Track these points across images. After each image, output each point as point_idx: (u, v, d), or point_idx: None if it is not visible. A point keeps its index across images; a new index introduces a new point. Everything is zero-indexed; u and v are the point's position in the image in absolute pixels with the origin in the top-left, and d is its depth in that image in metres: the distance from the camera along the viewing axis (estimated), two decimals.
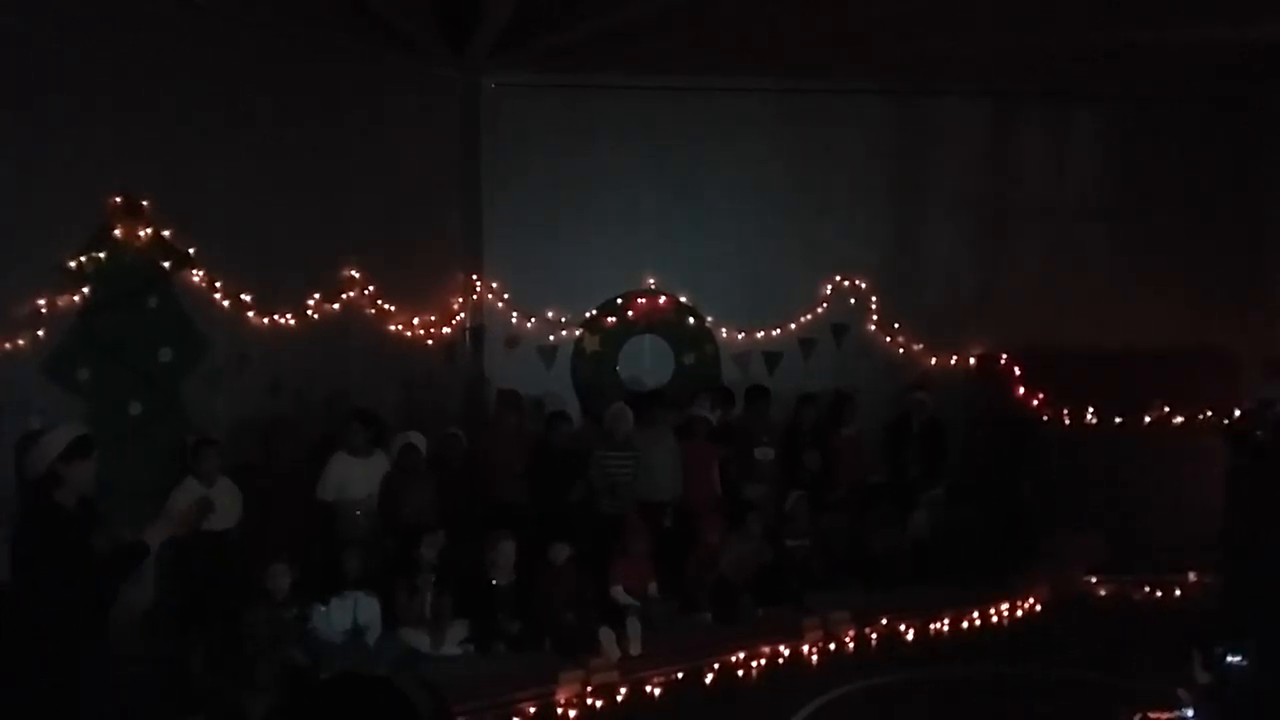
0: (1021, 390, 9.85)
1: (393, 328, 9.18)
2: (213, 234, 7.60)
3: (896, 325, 10.50)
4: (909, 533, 9.09)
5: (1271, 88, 10.27)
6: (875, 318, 10.48)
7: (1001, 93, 10.56)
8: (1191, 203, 10.55)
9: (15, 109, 6.50)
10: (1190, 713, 5.65)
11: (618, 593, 7.79)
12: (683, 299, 10.24)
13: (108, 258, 7.01)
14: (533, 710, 6.72)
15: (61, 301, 6.79)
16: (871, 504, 9.18)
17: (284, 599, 6.76)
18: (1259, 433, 8.28)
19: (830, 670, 7.65)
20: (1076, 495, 9.42)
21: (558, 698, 6.82)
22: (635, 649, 7.27)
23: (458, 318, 9.87)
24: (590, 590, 7.66)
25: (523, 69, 9.75)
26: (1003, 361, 10.12)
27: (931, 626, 8.33)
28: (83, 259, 6.89)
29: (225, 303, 7.77)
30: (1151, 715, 5.77)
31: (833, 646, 7.97)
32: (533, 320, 10.04)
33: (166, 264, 7.38)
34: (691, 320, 10.26)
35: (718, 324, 10.29)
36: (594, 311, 10.14)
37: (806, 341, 10.33)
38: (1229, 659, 5.63)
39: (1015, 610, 8.73)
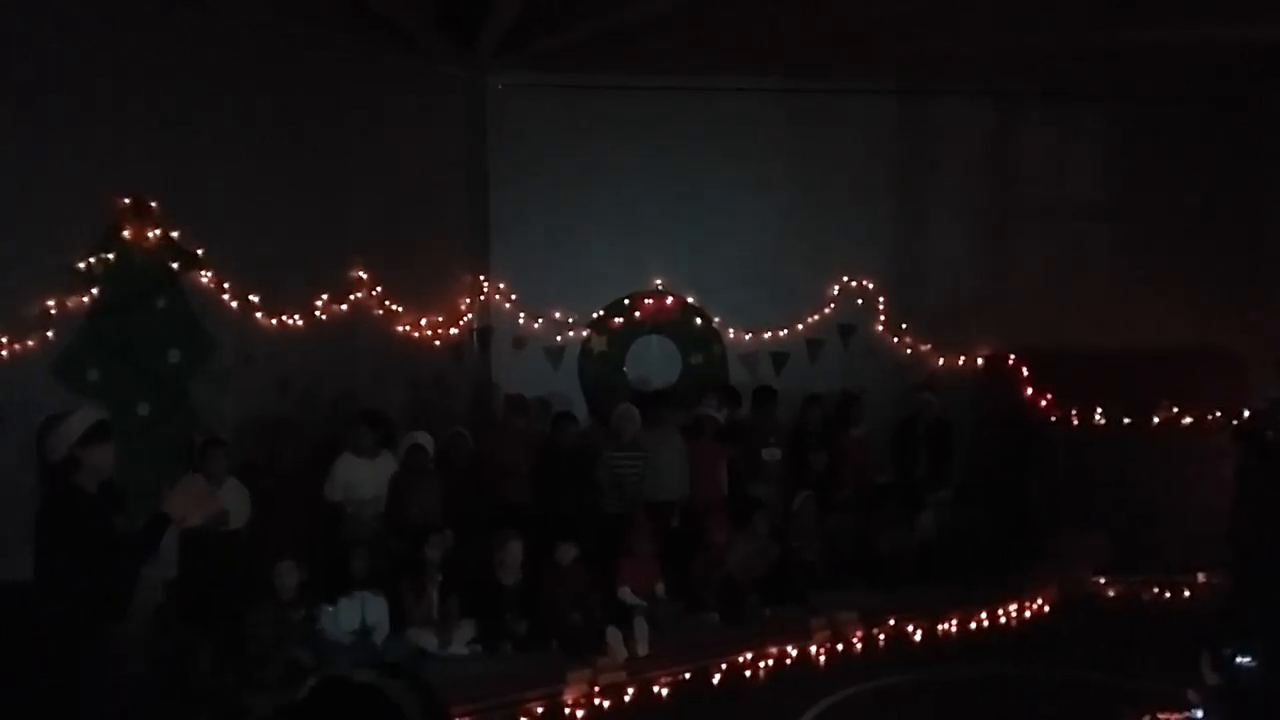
0: (1029, 391, 9.83)
1: (400, 329, 9.19)
2: (218, 235, 7.62)
3: (904, 326, 10.49)
4: (916, 533, 9.07)
5: (1271, 88, 10.25)
6: (882, 318, 10.48)
7: (1003, 93, 10.56)
8: (1193, 202, 10.54)
9: (17, 109, 6.52)
10: (1199, 714, 5.63)
11: (625, 593, 7.78)
12: (690, 299, 10.24)
13: (116, 259, 7.04)
14: (540, 710, 6.72)
15: (70, 303, 6.82)
16: (879, 504, 9.17)
17: (291, 598, 6.77)
18: (1269, 433, 8.26)
19: (838, 671, 7.64)
20: (1084, 496, 9.40)
21: (565, 698, 6.83)
22: (642, 649, 7.27)
23: (465, 318, 9.88)
24: (597, 590, 7.66)
25: (526, 69, 9.75)
26: (1010, 362, 10.10)
27: (939, 627, 8.32)
28: (91, 260, 6.92)
29: (233, 304, 7.79)
30: (1160, 716, 5.76)
31: (840, 647, 7.96)
32: (540, 321, 10.05)
33: (175, 265, 7.40)
34: (698, 321, 10.26)
35: (725, 324, 10.29)
36: (601, 312, 10.15)
37: (814, 342, 10.33)
38: (1238, 660, 5.61)
39: (1023, 611, 8.72)
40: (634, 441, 8.63)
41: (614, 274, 10.08)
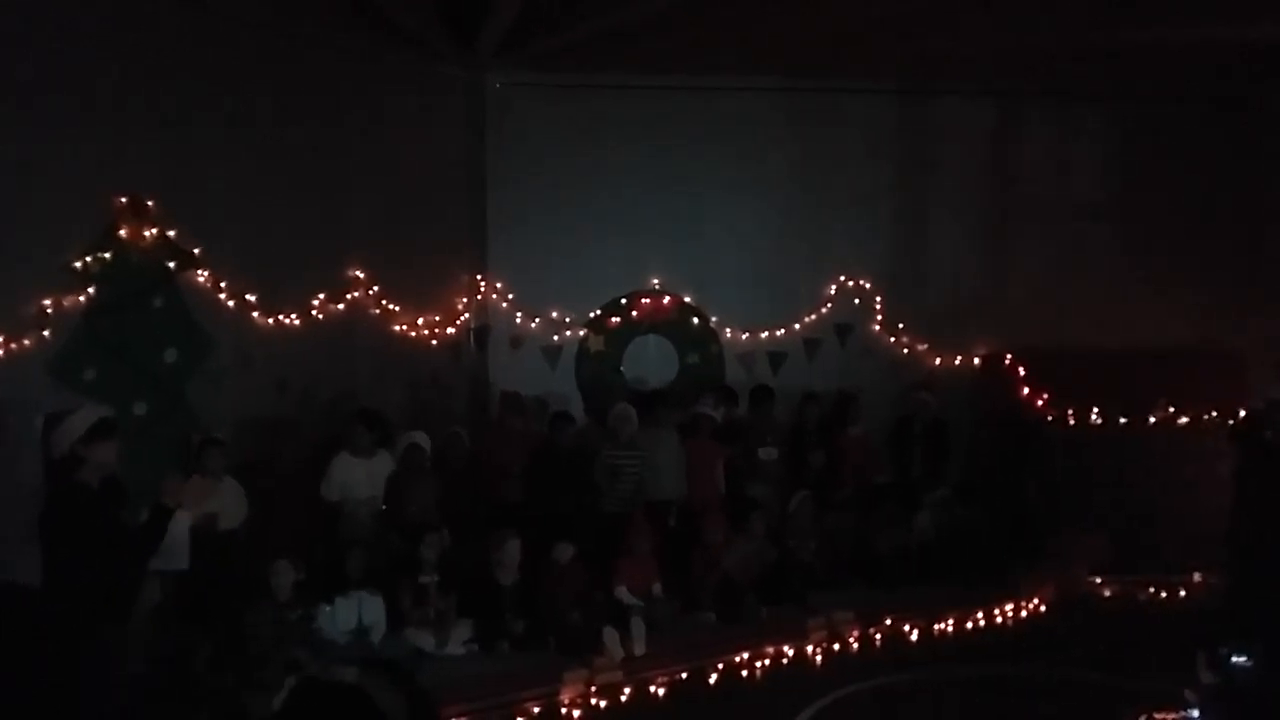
0: (1026, 390, 9.83)
1: (397, 328, 9.19)
2: (216, 234, 7.62)
3: (901, 325, 10.49)
4: (914, 533, 9.07)
5: (1271, 88, 10.25)
6: (879, 318, 10.48)
7: (1003, 92, 10.56)
8: (1193, 202, 10.53)
9: (17, 109, 6.52)
10: (1196, 713, 5.64)
11: (622, 593, 7.78)
12: (687, 299, 10.24)
13: (113, 258, 7.03)
14: (537, 710, 6.71)
15: (67, 302, 6.82)
16: (877, 504, 9.17)
17: (287, 598, 6.76)
18: (1268, 433, 8.27)
19: (834, 670, 7.64)
20: (1082, 496, 9.40)
21: (562, 697, 6.82)
22: (639, 649, 7.27)
23: (462, 318, 9.88)
24: (594, 590, 7.66)
25: (525, 68, 9.75)
26: (1007, 362, 10.10)
27: (936, 627, 8.31)
28: (88, 259, 6.92)
29: (230, 303, 7.78)
30: (1157, 716, 5.76)
31: (837, 647, 7.96)
32: (537, 320, 10.04)
33: (171, 264, 7.40)
34: (695, 320, 10.26)
35: (722, 324, 10.29)
36: (598, 311, 10.15)
37: (811, 341, 10.33)
38: (1234, 660, 5.62)
39: (1020, 611, 8.71)
40: (631, 441, 8.62)
41: (611, 273, 10.08)
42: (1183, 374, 9.61)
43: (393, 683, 2.07)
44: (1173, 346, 9.82)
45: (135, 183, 7.14)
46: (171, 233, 7.35)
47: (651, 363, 10.18)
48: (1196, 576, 9.11)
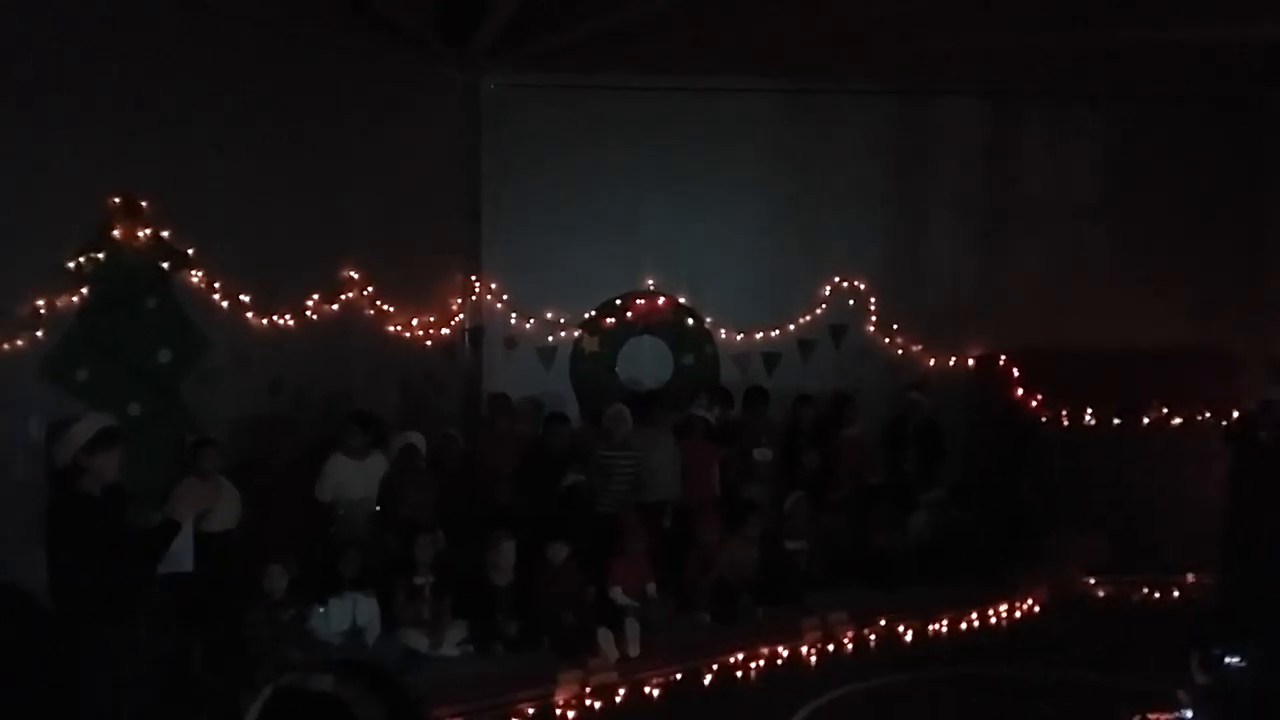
0: (1021, 391, 9.83)
1: (392, 328, 9.18)
2: (212, 234, 7.60)
3: (895, 326, 10.49)
4: (909, 534, 9.08)
5: (1271, 88, 10.25)
6: (874, 319, 10.47)
7: (1001, 93, 10.55)
8: (1191, 203, 10.52)
9: (15, 109, 6.50)
10: (1189, 714, 5.63)
11: (616, 593, 7.79)
12: (682, 300, 10.24)
13: (107, 258, 7.01)
14: (531, 711, 6.72)
15: (60, 302, 6.79)
16: (872, 505, 9.18)
17: (281, 599, 6.76)
18: (1263, 434, 8.28)
19: (829, 671, 7.65)
20: (1078, 496, 9.40)
21: (556, 699, 6.83)
22: (634, 650, 7.28)
23: (457, 318, 9.87)
24: (589, 591, 7.66)
25: (523, 69, 9.74)
26: (1002, 362, 10.10)
27: (931, 627, 8.32)
28: (82, 259, 6.90)
29: (224, 303, 7.77)
30: (1150, 716, 5.75)
31: (831, 647, 7.96)
32: (532, 321, 10.04)
33: (165, 265, 7.38)
34: (690, 321, 10.26)
35: (717, 325, 10.28)
36: (593, 312, 10.14)
37: (805, 343, 10.33)
38: (1227, 660, 5.62)
39: (1014, 611, 8.72)
40: (626, 442, 8.62)
41: (606, 274, 10.07)
42: (1178, 374, 9.61)
43: (371, 689, 2.02)
44: (1168, 347, 9.81)
45: (132, 182, 7.12)
46: (165, 233, 7.33)
47: (646, 364, 10.18)
48: (1190, 577, 9.12)
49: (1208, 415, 9.44)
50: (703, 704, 7.14)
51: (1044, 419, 9.62)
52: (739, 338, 10.31)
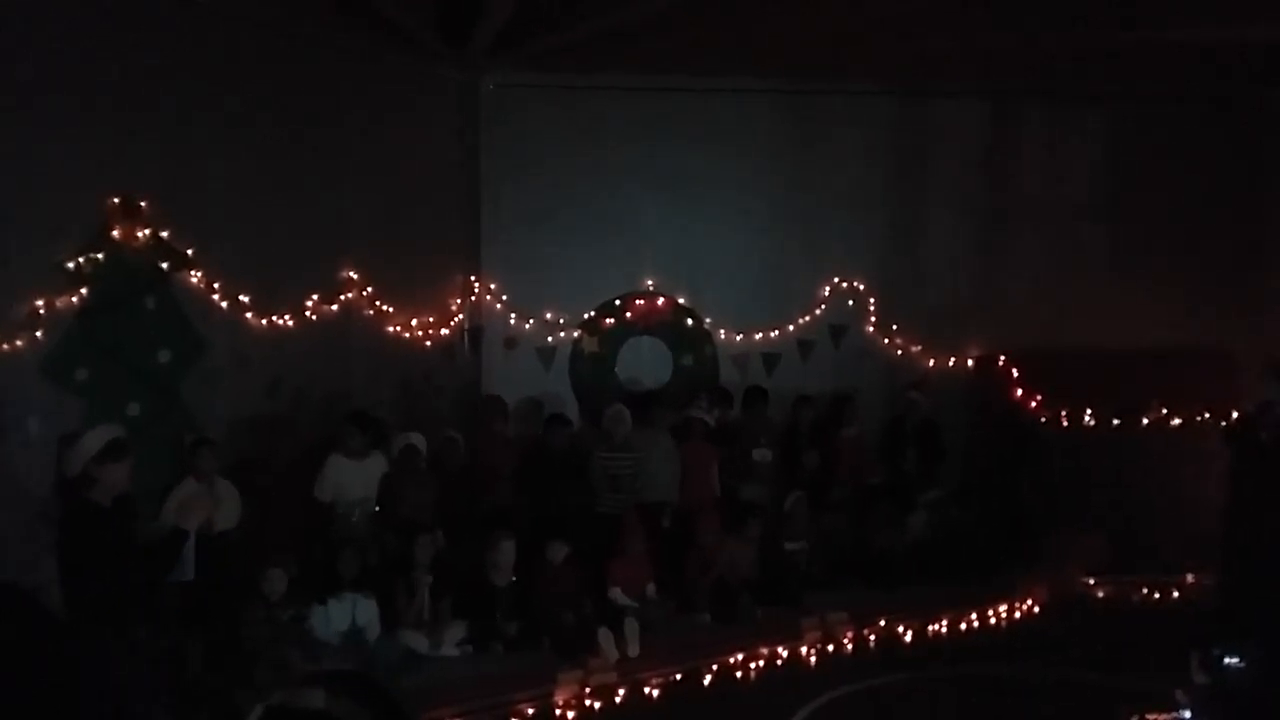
0: (1020, 391, 9.83)
1: (391, 329, 9.18)
2: (211, 234, 7.60)
3: (895, 326, 10.49)
4: (908, 534, 9.08)
5: (1272, 88, 10.26)
6: (873, 319, 10.47)
7: (1001, 93, 10.55)
8: (1191, 203, 10.53)
9: (15, 109, 6.50)
10: (1188, 714, 5.63)
11: (616, 594, 7.79)
12: (681, 300, 10.24)
13: (106, 258, 7.01)
14: (531, 711, 6.72)
15: (60, 302, 6.79)
16: (871, 505, 9.18)
17: (279, 600, 6.76)
18: (1263, 434, 8.29)
19: (829, 671, 7.65)
20: (1077, 496, 9.41)
21: (556, 699, 6.83)
22: (633, 650, 7.28)
23: (456, 319, 9.87)
24: (588, 591, 7.66)
25: (522, 69, 9.74)
26: (1002, 362, 10.11)
27: (930, 627, 8.33)
28: (81, 260, 6.89)
29: (224, 303, 7.77)
30: (1149, 716, 5.75)
31: (831, 647, 7.96)
32: (531, 321, 10.04)
33: (164, 265, 7.38)
34: (690, 322, 10.26)
35: (716, 325, 10.28)
36: (592, 313, 10.14)
37: (805, 343, 10.34)
38: (1227, 660, 5.62)
39: (1014, 611, 8.73)
40: (626, 442, 8.62)
41: (605, 275, 10.07)
42: (1177, 375, 9.61)
43: (363, 704, 2.02)
44: (1167, 347, 9.82)
45: (131, 182, 7.11)
46: (165, 233, 7.33)
47: (646, 364, 10.17)
48: (1190, 577, 9.13)
49: (1207, 415, 9.45)
50: (702, 704, 7.14)
51: (1043, 419, 9.62)
52: (738, 338, 10.31)
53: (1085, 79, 10.18)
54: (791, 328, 10.34)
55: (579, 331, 10.12)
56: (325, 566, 7.19)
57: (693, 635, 7.78)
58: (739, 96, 10.19)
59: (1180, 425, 9.52)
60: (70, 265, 6.85)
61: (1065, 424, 9.56)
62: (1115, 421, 9.55)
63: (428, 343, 9.54)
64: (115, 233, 7.08)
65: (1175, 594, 9.13)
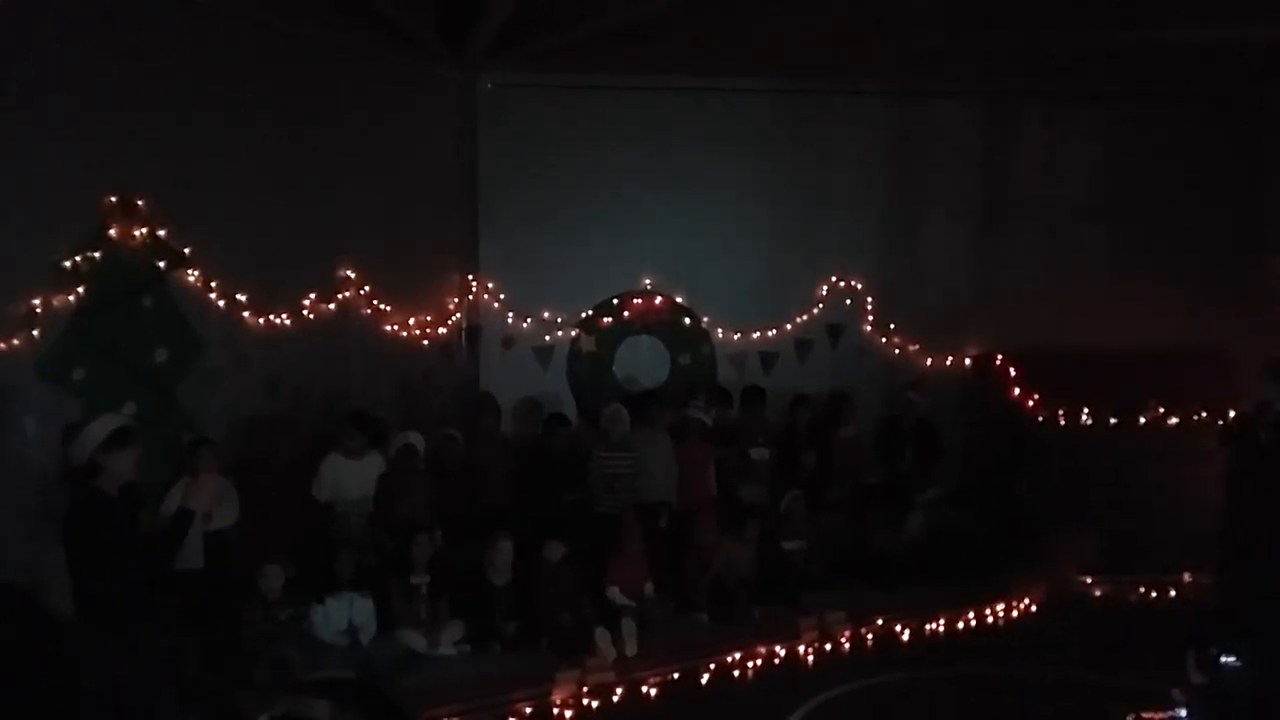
0: (1018, 391, 9.84)
1: (389, 328, 9.18)
2: (209, 233, 7.60)
3: (893, 326, 10.50)
4: (905, 533, 9.08)
5: (1271, 88, 10.26)
6: (871, 318, 10.48)
7: (1000, 92, 10.55)
8: (1190, 203, 10.53)
9: (15, 109, 6.50)
10: (1184, 713, 5.64)
11: (614, 593, 7.78)
12: (679, 299, 10.24)
13: (103, 257, 7.00)
14: (529, 710, 6.72)
15: (56, 301, 6.79)
16: (869, 504, 9.18)
17: (277, 599, 6.76)
18: (1262, 434, 8.30)
19: (827, 671, 7.65)
20: (1075, 496, 9.41)
21: (554, 698, 6.83)
22: (631, 649, 7.27)
23: (454, 318, 9.87)
24: (586, 591, 7.66)
25: (522, 68, 9.74)
26: (999, 362, 10.11)
27: (928, 627, 8.33)
28: (78, 259, 6.89)
29: (221, 303, 7.77)
30: (1145, 715, 5.76)
31: (829, 647, 7.97)
32: (529, 320, 10.04)
33: (161, 264, 7.38)
34: (688, 321, 10.26)
35: (714, 324, 10.28)
36: (590, 312, 10.14)
37: (803, 342, 10.34)
38: (1223, 660, 5.63)
39: (1011, 611, 8.73)
40: (623, 442, 8.62)
41: (603, 274, 10.07)
42: (1175, 374, 9.62)
43: (368, 714, 2.03)
44: (1165, 347, 9.81)
45: (129, 182, 7.11)
46: (162, 232, 7.33)
47: (643, 363, 10.18)
48: (1188, 576, 9.13)
49: (1205, 415, 9.45)
50: (700, 704, 7.14)
51: (1041, 419, 9.63)
52: (736, 337, 10.31)
53: (1085, 79, 10.18)
54: (789, 327, 10.35)
55: (577, 331, 10.12)
56: (323, 566, 7.19)
57: (690, 635, 7.78)
58: (738, 96, 10.20)
59: (1178, 425, 9.53)
60: (67, 264, 6.85)
61: (1063, 423, 9.57)
62: (1113, 421, 9.56)
63: (426, 342, 9.54)
64: (113, 232, 7.08)
65: (1173, 593, 9.15)
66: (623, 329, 10.18)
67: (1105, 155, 10.77)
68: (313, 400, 8.43)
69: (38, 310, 6.67)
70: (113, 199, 7.07)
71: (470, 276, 9.95)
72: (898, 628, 8.24)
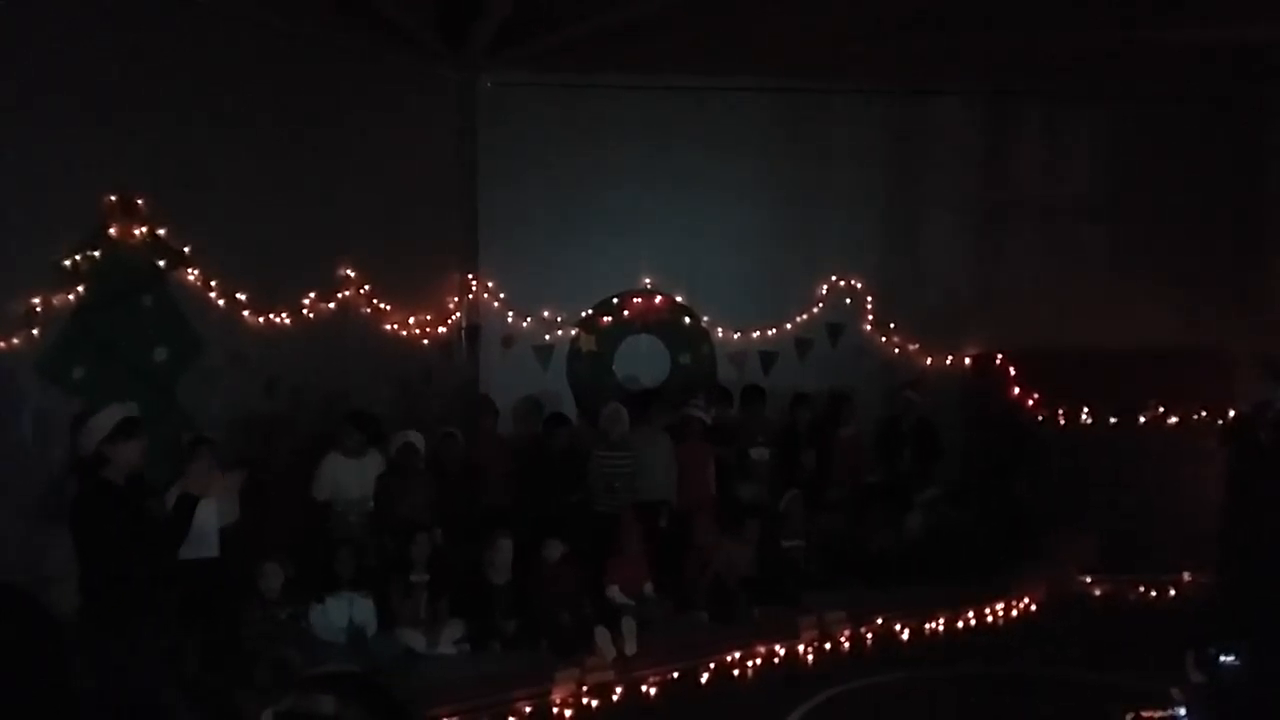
0: (1018, 390, 9.84)
1: (388, 327, 9.19)
2: (209, 233, 7.60)
3: (892, 325, 10.50)
4: (905, 533, 9.08)
5: (1271, 88, 10.26)
6: (871, 318, 10.48)
7: (1000, 92, 10.55)
8: (1190, 203, 10.53)
9: (15, 109, 6.50)
10: (1183, 712, 5.64)
11: (613, 592, 7.79)
12: (679, 299, 10.24)
13: (102, 256, 7.00)
14: (528, 710, 6.72)
15: (56, 300, 6.78)
16: (868, 504, 9.19)
17: (276, 598, 6.76)
18: (1262, 434, 8.29)
19: (826, 670, 7.65)
20: (1075, 496, 9.42)
21: (553, 697, 6.82)
22: (631, 648, 7.28)
23: (453, 317, 9.87)
24: (586, 590, 7.66)
25: (522, 68, 9.74)
26: (999, 361, 10.11)
27: (927, 626, 8.33)
28: (77, 258, 6.89)
29: (221, 302, 7.77)
30: (1144, 714, 5.75)
31: (828, 646, 7.97)
32: (529, 320, 10.04)
33: (161, 263, 7.38)
34: (688, 320, 10.26)
35: (714, 323, 10.29)
36: (590, 311, 10.14)
37: (802, 341, 10.34)
38: (1222, 659, 5.62)
39: (1010, 610, 8.73)
40: (623, 441, 8.62)
41: (603, 273, 10.08)
42: (1175, 374, 9.62)
43: (373, 710, 2.02)
44: (1165, 346, 9.82)
45: (129, 181, 7.11)
46: (162, 231, 7.33)
47: (643, 362, 10.18)
48: (1187, 576, 9.13)
49: (1204, 415, 9.45)
50: (700, 703, 7.13)
51: (1041, 418, 9.63)
52: (736, 336, 10.32)
53: (1085, 79, 10.18)
54: (789, 326, 10.35)
55: (577, 330, 10.13)
56: (323, 565, 7.19)
57: (690, 634, 7.78)
58: (738, 96, 10.20)
59: (1178, 425, 9.54)
60: (67, 263, 6.84)
61: (1063, 423, 9.57)
62: (1113, 421, 9.56)
63: (425, 341, 9.55)
64: (113, 231, 7.08)
65: (1172, 593, 9.14)
66: (623, 328, 10.18)
67: (1105, 155, 10.77)
68: (312, 399, 8.42)
69: (38, 309, 6.66)
70: (113, 198, 7.07)
71: (470, 276, 9.95)
72: (897, 627, 8.24)
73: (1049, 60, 9.67)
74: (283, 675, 6.28)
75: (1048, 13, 8.57)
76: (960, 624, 8.46)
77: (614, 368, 10.16)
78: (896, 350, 10.51)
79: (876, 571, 8.68)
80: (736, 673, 7.55)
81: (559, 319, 10.09)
